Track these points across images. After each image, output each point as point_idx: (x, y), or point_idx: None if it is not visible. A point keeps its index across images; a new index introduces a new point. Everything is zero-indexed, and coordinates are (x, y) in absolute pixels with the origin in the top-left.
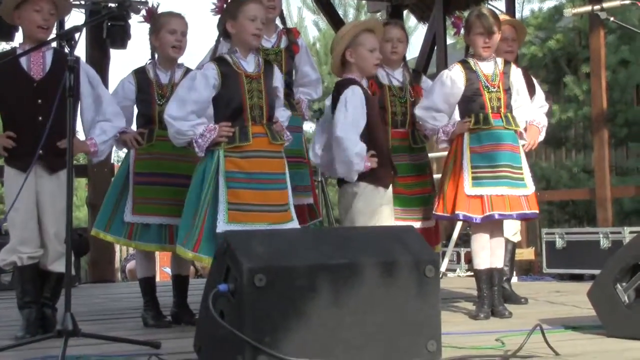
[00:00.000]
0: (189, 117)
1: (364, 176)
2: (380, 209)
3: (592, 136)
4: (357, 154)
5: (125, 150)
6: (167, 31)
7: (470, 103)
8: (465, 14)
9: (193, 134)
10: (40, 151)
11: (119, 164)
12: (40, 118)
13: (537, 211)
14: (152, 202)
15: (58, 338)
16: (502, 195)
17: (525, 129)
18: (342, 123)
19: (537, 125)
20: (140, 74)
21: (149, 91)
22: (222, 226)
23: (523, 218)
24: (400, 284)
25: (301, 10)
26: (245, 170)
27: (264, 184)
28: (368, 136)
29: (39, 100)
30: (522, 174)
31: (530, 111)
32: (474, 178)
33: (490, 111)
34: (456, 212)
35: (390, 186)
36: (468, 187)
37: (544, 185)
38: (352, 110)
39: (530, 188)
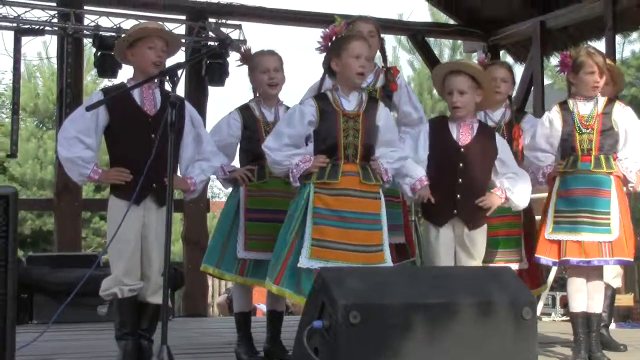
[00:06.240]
0: (283, 148)
1: (424, 211)
2: (432, 249)
3: None
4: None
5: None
6: (260, 71)
7: (565, 145)
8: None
9: (289, 163)
10: (154, 184)
11: (213, 199)
12: (153, 152)
13: (627, 258)
14: (264, 239)
15: None
16: (579, 241)
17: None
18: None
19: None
20: (245, 111)
21: (255, 128)
22: (304, 262)
23: (607, 264)
24: (496, 326)
25: (396, 49)
26: (331, 208)
27: (351, 223)
28: (432, 171)
29: (152, 135)
30: (607, 219)
31: None
32: (555, 222)
33: (580, 153)
34: (536, 255)
35: (452, 228)
36: (548, 231)
37: None
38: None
39: (615, 234)
